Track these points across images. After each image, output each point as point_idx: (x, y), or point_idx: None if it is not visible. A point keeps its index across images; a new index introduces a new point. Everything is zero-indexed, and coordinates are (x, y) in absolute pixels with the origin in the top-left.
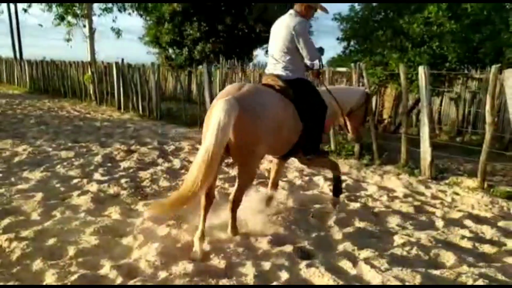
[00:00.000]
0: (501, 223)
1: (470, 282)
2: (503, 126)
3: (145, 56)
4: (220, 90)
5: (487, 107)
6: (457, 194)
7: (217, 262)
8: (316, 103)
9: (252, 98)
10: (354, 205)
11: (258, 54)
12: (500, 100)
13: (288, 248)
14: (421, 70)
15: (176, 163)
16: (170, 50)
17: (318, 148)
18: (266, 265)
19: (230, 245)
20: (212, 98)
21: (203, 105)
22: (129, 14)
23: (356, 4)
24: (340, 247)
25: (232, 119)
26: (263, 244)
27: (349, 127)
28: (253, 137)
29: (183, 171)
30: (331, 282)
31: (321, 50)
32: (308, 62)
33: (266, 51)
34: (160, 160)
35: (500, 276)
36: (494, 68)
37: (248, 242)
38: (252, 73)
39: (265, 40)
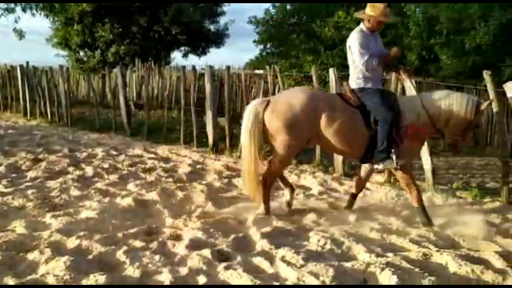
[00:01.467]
0: (405, 214)
1: (378, 271)
2: None
3: (53, 58)
4: (136, 94)
5: None
6: (367, 189)
7: (132, 271)
8: (377, 112)
9: (277, 98)
10: (273, 205)
11: (176, 56)
12: None
13: (206, 251)
14: (331, 72)
15: (89, 170)
16: (81, 53)
17: (384, 158)
18: (183, 270)
19: (146, 253)
20: (127, 102)
21: (117, 109)
22: (33, 14)
23: (270, 8)
24: (258, 247)
25: (257, 116)
26: (180, 249)
27: (445, 134)
28: (272, 127)
29: (96, 178)
30: (248, 282)
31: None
32: (361, 68)
33: (184, 54)
34: (70, 168)
35: (404, 264)
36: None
37: (164, 248)
38: (170, 76)
39: (182, 43)
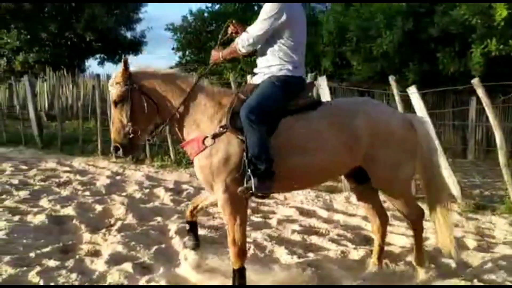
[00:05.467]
0: (325, 215)
1: (300, 272)
2: None
3: None
4: (48, 104)
5: None
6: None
7: None
8: None
9: None
10: None
11: (91, 64)
12: None
13: (127, 266)
14: (249, 78)
15: None
16: None
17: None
18: None
19: (62, 272)
20: (37, 113)
21: (27, 121)
22: None
23: (188, 15)
24: (182, 257)
25: None
26: (99, 265)
27: None
28: None
29: (4, 196)
30: None
31: None
32: None
33: (99, 62)
34: None
35: (325, 263)
36: (309, 76)
37: (82, 266)
38: (84, 84)
39: (97, 50)
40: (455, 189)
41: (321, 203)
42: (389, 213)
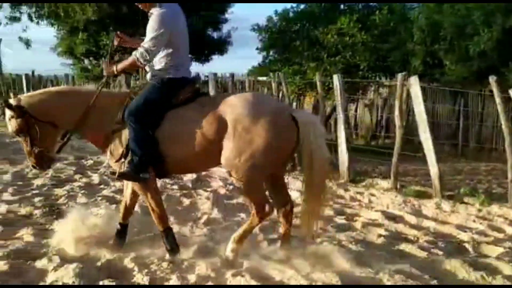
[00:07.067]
0: (413, 221)
1: (386, 278)
2: (414, 129)
3: (59, 67)
4: None
5: (396, 111)
6: (373, 195)
7: (141, 278)
8: None
9: None
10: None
11: None
12: (409, 105)
13: (214, 258)
14: (336, 78)
15: (95, 178)
16: (86, 61)
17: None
18: (192, 277)
19: (154, 260)
20: None
21: None
22: (37, 23)
23: (273, 15)
24: (266, 254)
25: None
26: (187, 256)
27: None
28: None
29: (102, 186)
30: None
31: None
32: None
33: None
34: (77, 176)
35: (414, 270)
36: (400, 75)
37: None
38: None
39: None
40: None
41: (408, 208)
42: (485, 223)
